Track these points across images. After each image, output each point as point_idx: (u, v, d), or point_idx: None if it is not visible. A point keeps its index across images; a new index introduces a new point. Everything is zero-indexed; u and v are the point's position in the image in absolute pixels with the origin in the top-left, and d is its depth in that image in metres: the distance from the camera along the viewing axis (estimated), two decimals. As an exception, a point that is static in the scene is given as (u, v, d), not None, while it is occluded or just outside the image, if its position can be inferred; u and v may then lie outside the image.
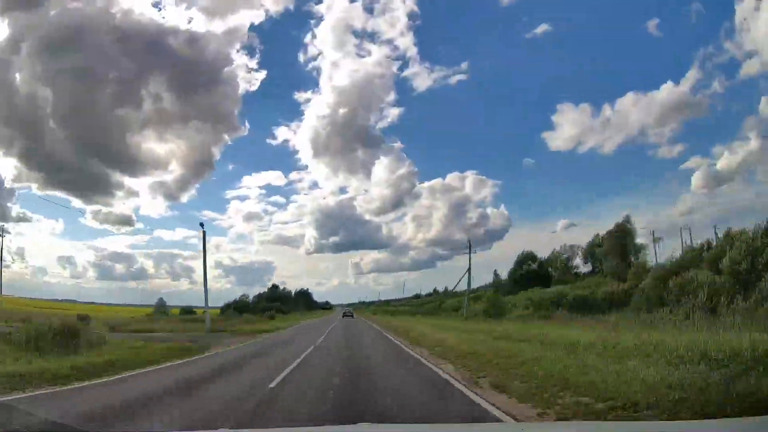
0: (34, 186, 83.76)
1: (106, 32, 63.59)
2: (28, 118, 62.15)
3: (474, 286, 54.18)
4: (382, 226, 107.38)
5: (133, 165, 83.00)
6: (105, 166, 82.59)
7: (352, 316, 58.21)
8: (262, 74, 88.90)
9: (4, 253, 61.07)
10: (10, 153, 70.64)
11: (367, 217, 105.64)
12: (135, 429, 5.36)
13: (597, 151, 77.98)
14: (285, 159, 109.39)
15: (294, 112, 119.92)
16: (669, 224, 78.87)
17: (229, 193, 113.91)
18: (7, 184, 73.55)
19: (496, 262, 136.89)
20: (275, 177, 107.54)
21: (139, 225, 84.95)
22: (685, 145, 73.87)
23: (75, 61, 62.61)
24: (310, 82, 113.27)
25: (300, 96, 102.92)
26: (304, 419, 6.34)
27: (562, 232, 76.07)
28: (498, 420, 5.90)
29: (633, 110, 70.92)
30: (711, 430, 2.95)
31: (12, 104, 61.26)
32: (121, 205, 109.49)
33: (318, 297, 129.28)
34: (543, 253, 55.02)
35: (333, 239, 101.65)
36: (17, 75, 63.29)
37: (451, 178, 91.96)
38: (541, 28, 78.14)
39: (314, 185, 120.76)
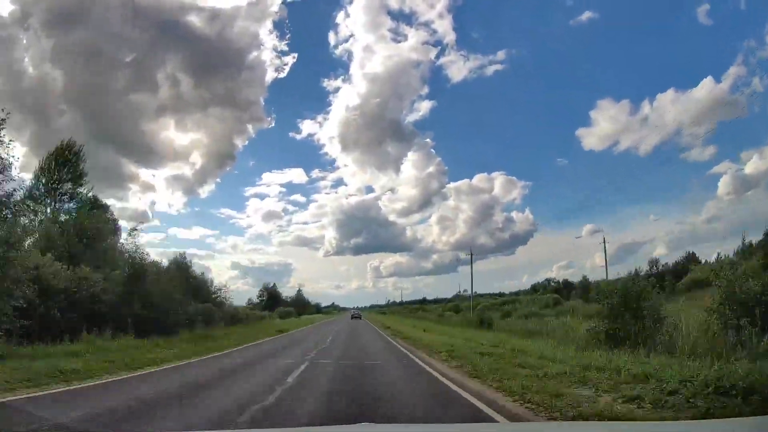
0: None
1: (119, 7, 58.60)
2: (36, 102, 56.32)
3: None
4: (406, 229, 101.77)
5: (149, 155, 77.89)
6: (119, 155, 73.74)
7: (360, 317, 67.68)
8: (290, 58, 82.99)
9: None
10: (17, 139, 67.01)
11: (392, 218, 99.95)
12: (142, 429, 5.52)
13: (632, 152, 71.74)
14: (309, 154, 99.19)
15: (321, 102, 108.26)
16: (692, 233, 73.07)
17: (249, 191, 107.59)
18: (13, 173, 71.96)
19: (517, 268, 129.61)
20: (297, 174, 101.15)
21: (155, 222, 79.31)
22: (717, 147, 66.79)
23: (85, 39, 56.82)
24: (340, 68, 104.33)
25: (329, 84, 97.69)
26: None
27: (588, 238, 71.88)
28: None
29: (671, 108, 65.73)
30: (711, 430, 2.88)
31: (19, 86, 54.93)
32: (135, 200, 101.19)
33: (335, 301, 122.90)
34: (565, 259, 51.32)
35: (355, 241, 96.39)
36: (25, 54, 57.22)
37: (479, 179, 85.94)
38: (586, 15, 72.87)
39: (339, 182, 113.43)
